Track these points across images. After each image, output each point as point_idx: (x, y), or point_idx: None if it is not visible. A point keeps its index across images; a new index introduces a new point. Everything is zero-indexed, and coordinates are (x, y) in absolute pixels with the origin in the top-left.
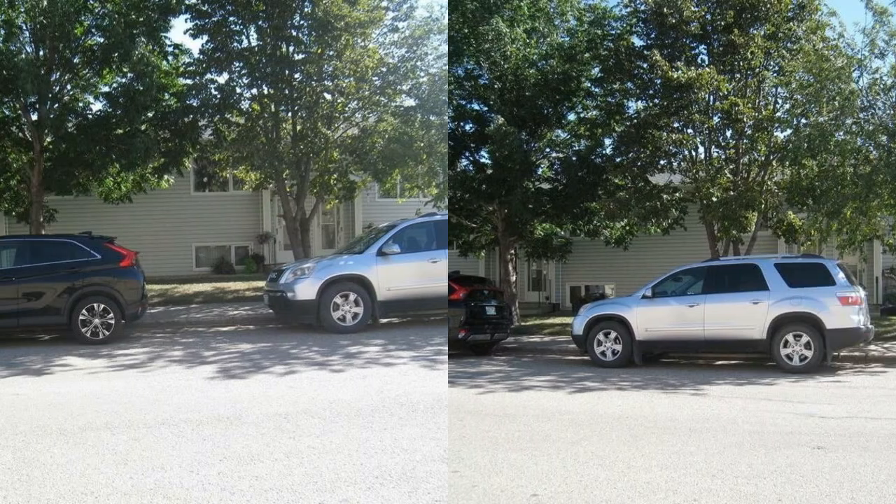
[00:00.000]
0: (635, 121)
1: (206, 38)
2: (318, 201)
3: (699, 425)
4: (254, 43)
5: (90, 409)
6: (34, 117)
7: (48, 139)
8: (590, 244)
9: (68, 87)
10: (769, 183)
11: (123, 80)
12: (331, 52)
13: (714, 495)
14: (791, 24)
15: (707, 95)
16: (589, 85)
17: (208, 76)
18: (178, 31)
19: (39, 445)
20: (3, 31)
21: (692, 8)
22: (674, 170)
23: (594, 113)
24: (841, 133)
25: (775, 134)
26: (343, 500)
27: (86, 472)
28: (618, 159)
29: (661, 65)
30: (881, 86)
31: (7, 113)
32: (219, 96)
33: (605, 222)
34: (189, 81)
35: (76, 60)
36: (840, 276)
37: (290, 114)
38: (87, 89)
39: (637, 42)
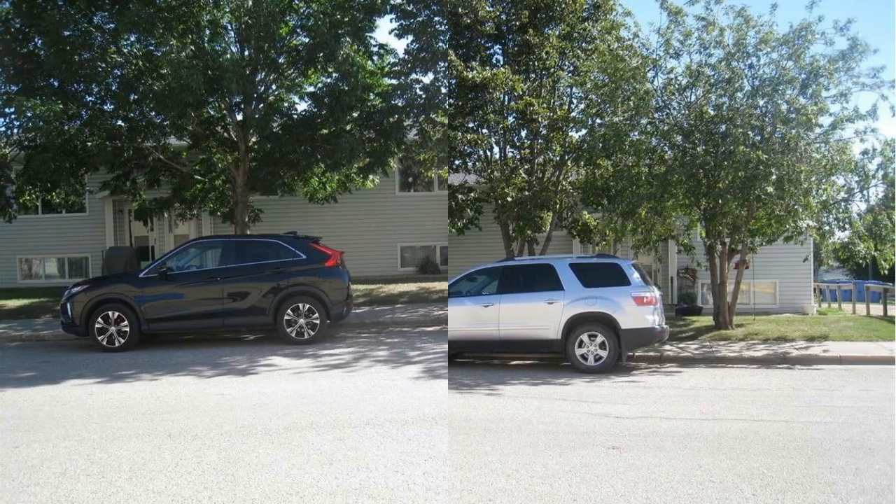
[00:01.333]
0: None
1: (411, 38)
2: None
3: (494, 425)
4: None
5: (295, 409)
6: (239, 117)
7: (253, 139)
8: None
9: (273, 86)
10: (564, 183)
11: (328, 80)
12: None
13: (509, 495)
14: (586, 24)
15: (502, 95)
16: None
17: (413, 76)
18: (383, 30)
19: (244, 445)
20: (208, 31)
21: (487, 8)
22: (469, 170)
23: None
24: (636, 133)
25: (570, 134)
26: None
27: (291, 472)
28: None
29: (456, 65)
30: (676, 86)
31: (213, 113)
32: (424, 96)
33: None
34: (394, 81)
35: (281, 60)
36: (635, 276)
37: None
38: (291, 89)
39: None
